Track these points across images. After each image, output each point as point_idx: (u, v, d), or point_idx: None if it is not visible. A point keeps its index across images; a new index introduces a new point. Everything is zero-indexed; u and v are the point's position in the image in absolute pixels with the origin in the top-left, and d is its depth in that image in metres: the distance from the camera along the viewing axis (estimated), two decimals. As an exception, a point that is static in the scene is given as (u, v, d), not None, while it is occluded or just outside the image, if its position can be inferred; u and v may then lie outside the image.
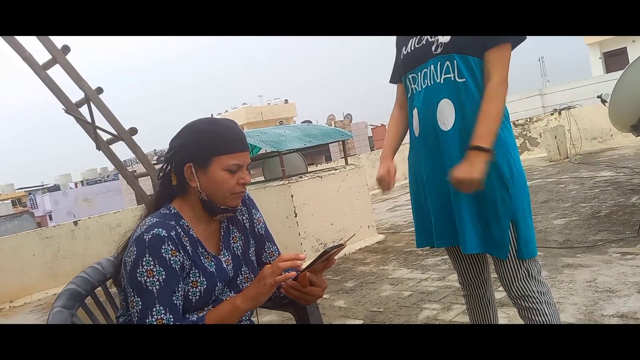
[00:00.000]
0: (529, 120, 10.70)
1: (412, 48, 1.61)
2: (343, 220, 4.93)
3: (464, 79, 1.50)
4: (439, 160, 1.57)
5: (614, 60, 19.73)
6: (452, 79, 1.51)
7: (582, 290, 2.73)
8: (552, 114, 10.44)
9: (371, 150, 17.57)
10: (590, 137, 9.69)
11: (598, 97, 6.39)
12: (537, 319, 1.54)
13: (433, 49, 1.54)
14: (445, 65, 1.52)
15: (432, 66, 1.55)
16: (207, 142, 1.20)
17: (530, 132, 10.54)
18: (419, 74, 1.59)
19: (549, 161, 8.90)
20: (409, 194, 1.80)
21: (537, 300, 1.53)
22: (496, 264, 1.58)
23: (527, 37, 1.50)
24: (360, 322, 2.96)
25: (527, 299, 1.54)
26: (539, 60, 27.95)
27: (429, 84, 1.56)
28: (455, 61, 1.51)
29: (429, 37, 1.56)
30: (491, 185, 1.48)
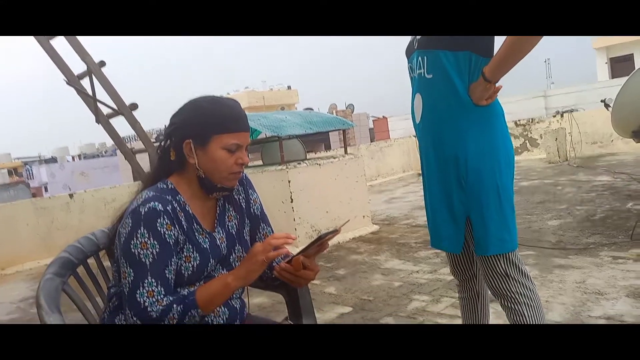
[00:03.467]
0: (531, 120, 10.68)
1: (410, 39, 1.67)
2: (339, 208, 4.93)
3: (431, 75, 1.54)
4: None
5: (620, 66, 19.68)
6: (422, 74, 1.57)
7: (572, 290, 2.75)
8: (554, 116, 10.43)
9: (371, 142, 17.56)
10: (591, 142, 9.69)
11: (602, 101, 6.39)
12: (515, 319, 1.56)
13: (415, 43, 1.61)
14: (418, 60, 1.58)
15: (413, 60, 1.61)
16: (208, 119, 1.19)
17: (531, 132, 10.52)
18: (410, 65, 1.67)
19: (548, 163, 8.91)
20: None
21: (516, 301, 1.54)
22: (479, 261, 1.60)
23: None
24: (349, 309, 2.98)
25: (506, 298, 1.56)
26: (545, 61, 27.86)
27: (414, 76, 1.63)
28: (425, 57, 1.55)
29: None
30: (450, 184, 1.56)
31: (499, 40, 1.49)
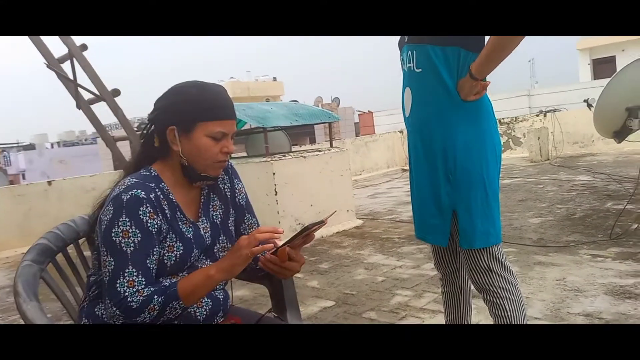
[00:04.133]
0: (514, 119, 10.81)
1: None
2: (323, 202, 4.92)
3: (420, 69, 1.55)
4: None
5: (602, 68, 20.00)
6: (412, 68, 1.58)
7: (551, 287, 2.78)
8: (537, 115, 10.57)
9: (356, 136, 17.56)
10: (572, 141, 9.84)
11: (584, 101, 6.48)
12: (497, 314, 1.58)
13: (405, 37, 1.62)
14: (408, 54, 1.59)
15: (404, 53, 1.62)
16: (193, 106, 1.16)
17: (514, 131, 10.65)
18: (401, 57, 1.67)
19: (530, 161, 9.03)
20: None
21: (499, 295, 1.56)
22: (462, 255, 1.62)
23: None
24: (332, 303, 2.97)
25: (488, 292, 1.58)
26: (529, 61, 28.17)
27: (405, 70, 1.64)
28: (414, 51, 1.56)
29: None
30: (438, 177, 1.58)
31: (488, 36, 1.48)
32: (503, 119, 10.97)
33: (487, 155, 1.55)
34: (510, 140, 10.72)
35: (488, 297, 1.59)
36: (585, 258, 3.23)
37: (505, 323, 1.56)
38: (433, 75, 1.52)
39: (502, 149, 10.50)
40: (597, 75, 19.81)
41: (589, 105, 5.91)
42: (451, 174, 1.54)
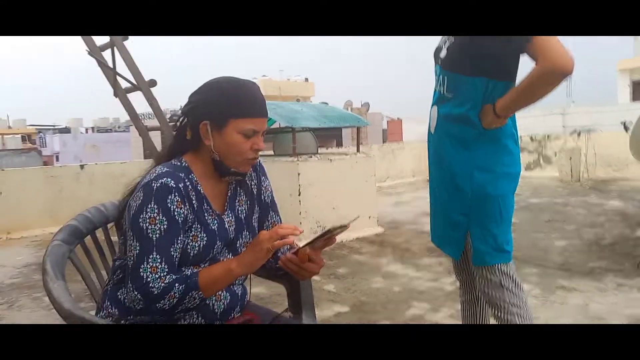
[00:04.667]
0: (547, 137, 10.58)
1: (438, 44, 1.70)
2: (345, 206, 4.92)
3: (450, 95, 1.60)
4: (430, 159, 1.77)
5: (642, 90, 19.40)
6: (442, 92, 1.63)
7: (573, 313, 2.72)
8: (571, 135, 10.32)
9: (383, 143, 17.48)
10: (606, 164, 9.57)
11: (622, 123, 6.30)
12: None
13: (438, 59, 1.66)
14: (440, 77, 1.64)
15: (437, 73, 1.68)
16: (227, 102, 1.18)
17: (546, 149, 10.42)
18: (435, 74, 1.70)
19: (560, 181, 8.82)
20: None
21: (508, 311, 1.58)
22: (475, 271, 1.65)
23: None
24: (347, 309, 2.97)
25: (499, 309, 1.60)
26: (567, 79, 27.51)
27: (436, 89, 1.68)
28: (446, 77, 1.61)
29: (443, 40, 1.66)
30: (453, 197, 1.62)
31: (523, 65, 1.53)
32: (535, 135, 10.76)
33: (504, 177, 1.59)
34: (541, 158, 10.50)
35: (498, 314, 1.60)
36: (611, 286, 3.13)
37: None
38: (460, 101, 1.57)
39: (532, 166, 10.36)
40: (636, 97, 19.20)
41: (626, 128, 5.74)
42: (466, 196, 1.59)
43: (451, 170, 1.62)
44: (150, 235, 1.11)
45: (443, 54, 1.62)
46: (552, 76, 1.41)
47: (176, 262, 1.15)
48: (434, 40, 1.74)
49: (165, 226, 1.12)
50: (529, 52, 1.43)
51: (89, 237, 1.37)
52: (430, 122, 1.72)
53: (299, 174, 4.61)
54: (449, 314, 2.78)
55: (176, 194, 1.14)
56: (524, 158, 10.66)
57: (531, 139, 10.66)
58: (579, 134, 9.98)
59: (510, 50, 1.48)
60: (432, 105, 1.70)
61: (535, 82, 1.44)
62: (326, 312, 2.90)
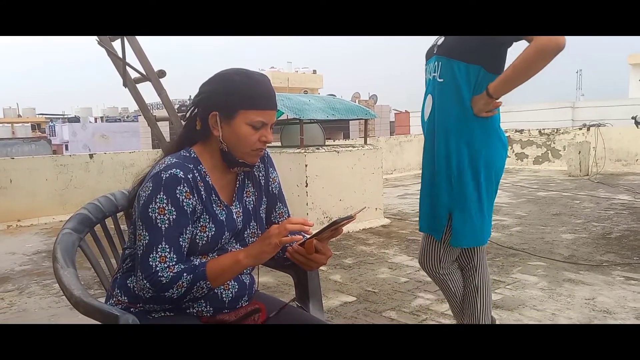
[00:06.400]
0: (555, 131, 10.50)
1: (432, 43, 1.84)
2: (352, 198, 4.93)
3: (442, 80, 1.72)
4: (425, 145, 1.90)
5: (653, 85, 19.14)
6: (436, 78, 1.75)
7: (579, 306, 2.72)
8: (580, 129, 10.23)
9: (391, 135, 17.41)
10: (615, 158, 9.49)
11: (632, 117, 6.23)
12: (470, 282, 1.93)
13: (435, 48, 1.78)
14: (434, 64, 1.76)
15: (431, 63, 1.80)
16: (236, 93, 1.18)
17: (554, 143, 10.35)
18: (427, 67, 1.84)
19: (568, 175, 8.76)
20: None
21: (471, 273, 1.94)
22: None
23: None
24: (353, 299, 2.99)
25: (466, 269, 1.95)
26: (577, 72, 27.21)
27: (429, 78, 1.81)
28: (440, 62, 1.73)
29: (439, 37, 1.79)
30: (441, 179, 1.78)
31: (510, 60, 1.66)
32: (544, 129, 10.68)
33: (488, 167, 1.74)
34: (549, 152, 10.43)
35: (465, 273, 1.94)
36: (618, 280, 3.13)
37: (473, 290, 1.91)
38: (453, 86, 1.70)
39: (540, 160, 10.28)
40: (648, 91, 18.97)
41: (637, 123, 5.68)
42: (453, 178, 1.75)
43: (440, 152, 1.76)
44: (159, 225, 1.13)
45: (440, 41, 1.73)
46: (546, 50, 1.50)
47: (185, 252, 1.16)
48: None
49: (174, 216, 1.13)
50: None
51: (98, 225, 1.39)
52: (424, 111, 1.86)
53: (306, 166, 4.62)
54: (454, 306, 2.78)
55: (185, 184, 1.15)
56: (533, 151, 10.59)
57: (540, 132, 10.58)
58: (588, 128, 9.89)
59: (507, 39, 1.61)
60: (426, 94, 1.84)
61: (531, 57, 1.52)
62: (332, 302, 2.92)
